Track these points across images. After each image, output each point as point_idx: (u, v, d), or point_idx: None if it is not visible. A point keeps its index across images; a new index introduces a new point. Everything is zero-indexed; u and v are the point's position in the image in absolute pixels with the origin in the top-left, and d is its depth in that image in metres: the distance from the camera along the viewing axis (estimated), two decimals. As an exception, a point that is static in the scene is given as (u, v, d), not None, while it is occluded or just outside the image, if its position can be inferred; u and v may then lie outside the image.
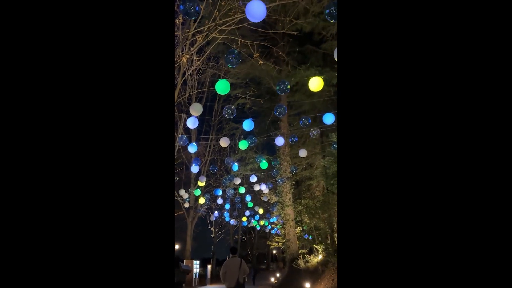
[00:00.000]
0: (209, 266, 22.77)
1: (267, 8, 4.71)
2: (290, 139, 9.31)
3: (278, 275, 19.59)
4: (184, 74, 11.83)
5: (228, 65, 5.09)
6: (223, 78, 17.40)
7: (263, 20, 12.45)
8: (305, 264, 12.55)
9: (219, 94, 19.94)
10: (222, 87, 5.80)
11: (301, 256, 13.15)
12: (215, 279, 22.22)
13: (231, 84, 17.30)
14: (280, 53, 9.56)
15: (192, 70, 15.18)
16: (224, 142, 8.94)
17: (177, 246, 22.84)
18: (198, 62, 12.54)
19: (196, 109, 6.73)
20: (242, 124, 7.73)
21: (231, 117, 6.80)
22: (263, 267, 42.34)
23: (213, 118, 21.11)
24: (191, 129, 19.05)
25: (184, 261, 18.63)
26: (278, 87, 5.86)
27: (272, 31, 9.63)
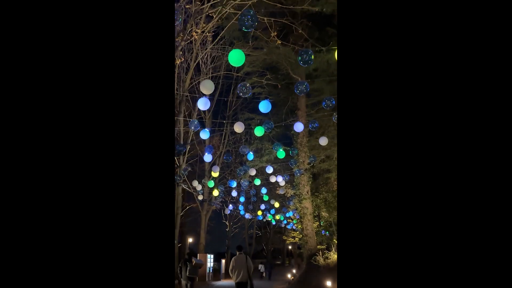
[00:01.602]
0: (223, 261, 22.31)
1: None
2: (310, 125, 8.56)
3: (294, 271, 18.96)
4: (197, 56, 11.23)
5: (243, 28, 4.37)
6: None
7: (281, 1, 11.71)
8: (324, 260, 11.80)
9: (234, 85, 19.32)
10: (236, 57, 5.09)
11: (320, 252, 12.40)
12: (229, 274, 21.73)
13: (247, 74, 16.54)
14: (300, 31, 8.77)
15: (206, 56, 14.55)
16: (238, 128, 8.25)
17: (190, 240, 22.48)
18: (212, 45, 11.90)
19: (207, 86, 6.05)
20: (257, 113, 7.09)
21: (247, 95, 6.09)
22: (279, 262, 41.76)
23: (228, 99, 20.25)
24: (204, 116, 18.47)
25: (198, 255, 18.21)
26: (300, 58, 5.10)
27: (291, 6, 8.88)
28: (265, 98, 16.18)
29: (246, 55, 13.94)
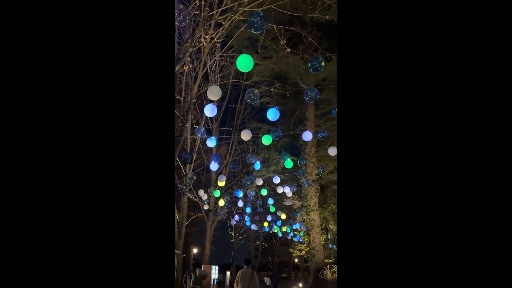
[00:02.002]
0: (228, 273, 21.91)
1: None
2: (319, 134, 8.34)
3: (301, 285, 18.50)
4: (205, 64, 11.16)
5: (252, 30, 4.22)
6: (247, 74, 16.65)
7: (290, 10, 11.62)
8: (332, 275, 11.43)
9: (242, 94, 19.23)
10: (244, 63, 4.93)
11: (328, 266, 12.03)
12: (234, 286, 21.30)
13: (256, 83, 16.45)
14: (309, 39, 8.63)
15: (215, 65, 14.51)
16: (246, 135, 8.07)
17: (195, 250, 22.17)
18: (220, 52, 11.84)
19: (214, 92, 5.89)
20: (265, 122, 6.95)
21: (254, 102, 5.92)
22: (285, 275, 41.00)
23: (236, 108, 20.09)
24: (211, 124, 18.36)
25: (202, 266, 17.91)
26: (310, 64, 4.92)
27: (302, 14, 8.77)
28: (273, 107, 16.04)
29: (255, 64, 13.88)
